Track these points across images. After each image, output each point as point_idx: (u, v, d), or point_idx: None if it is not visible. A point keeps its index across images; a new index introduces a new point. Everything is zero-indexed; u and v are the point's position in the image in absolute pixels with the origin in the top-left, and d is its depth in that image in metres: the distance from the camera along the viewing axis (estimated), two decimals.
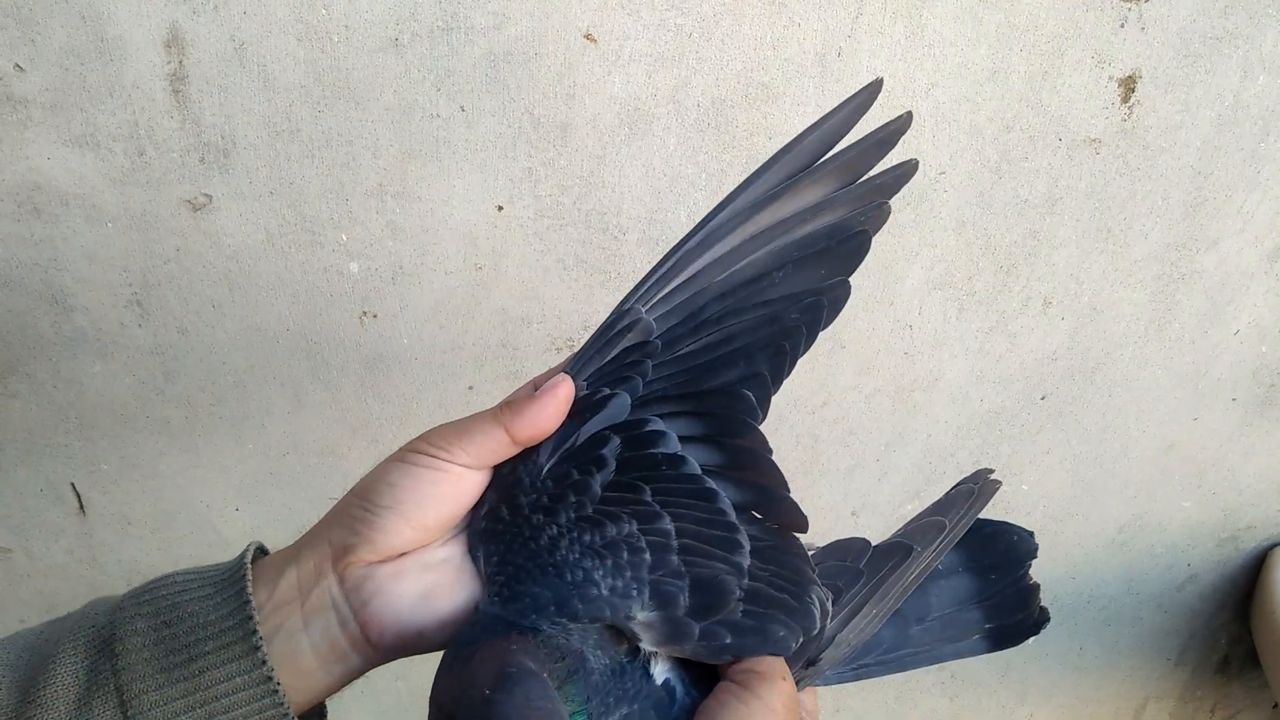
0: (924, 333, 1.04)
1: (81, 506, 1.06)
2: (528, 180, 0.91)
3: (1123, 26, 0.89)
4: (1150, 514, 1.23)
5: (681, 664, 0.47)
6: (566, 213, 0.93)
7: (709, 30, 0.86)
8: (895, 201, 0.97)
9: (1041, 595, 0.59)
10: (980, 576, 0.58)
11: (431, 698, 0.43)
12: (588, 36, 0.85)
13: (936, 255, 0.99)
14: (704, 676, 0.47)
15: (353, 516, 0.49)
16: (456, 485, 0.49)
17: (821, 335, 0.51)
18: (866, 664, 0.56)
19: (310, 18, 0.82)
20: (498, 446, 0.49)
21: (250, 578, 0.48)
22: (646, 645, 0.46)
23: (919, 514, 0.57)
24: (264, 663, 0.46)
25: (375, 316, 0.97)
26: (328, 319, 0.97)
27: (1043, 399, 1.11)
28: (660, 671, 0.46)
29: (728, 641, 0.46)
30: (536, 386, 0.51)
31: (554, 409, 0.50)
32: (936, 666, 1.34)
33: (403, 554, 0.49)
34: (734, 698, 0.44)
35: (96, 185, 0.86)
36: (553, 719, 0.38)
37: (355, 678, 0.51)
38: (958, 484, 0.59)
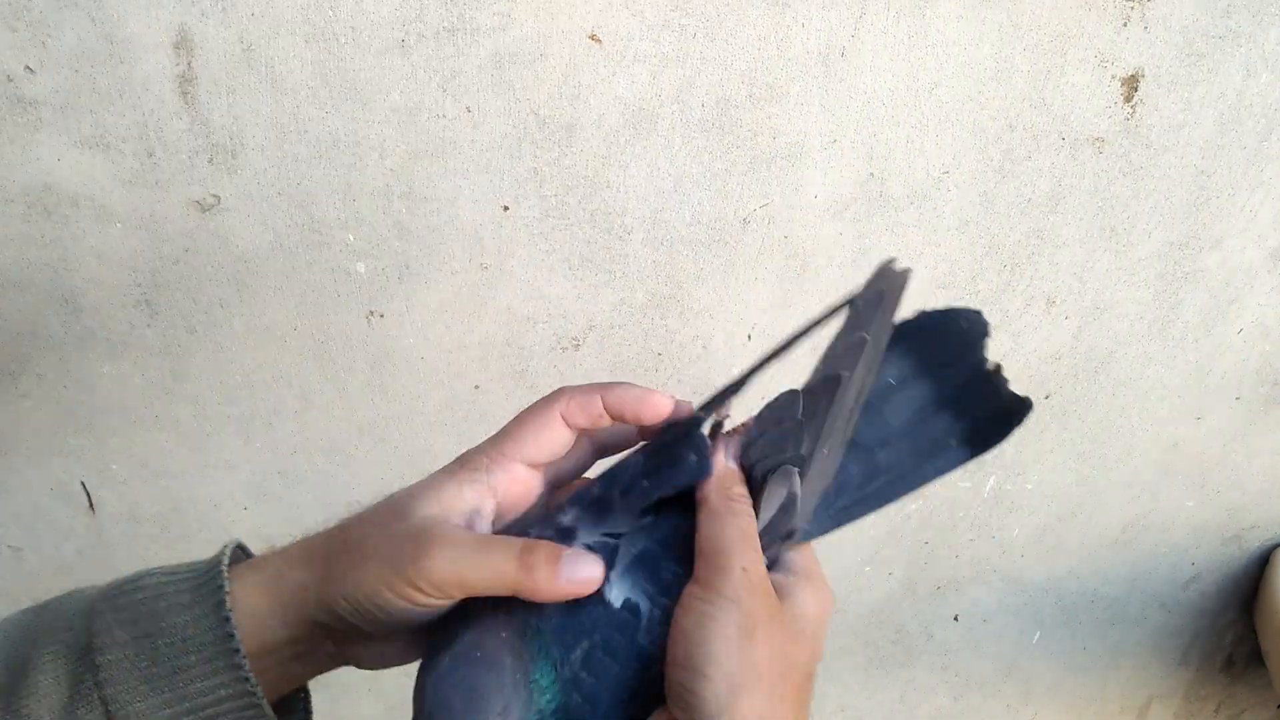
0: None
1: (91, 505, 1.07)
2: (533, 180, 0.92)
3: (1125, 25, 0.89)
4: (1154, 513, 1.23)
5: (644, 574, 0.46)
6: (572, 212, 0.94)
7: (713, 30, 0.86)
8: (899, 201, 0.97)
9: (1010, 378, 0.53)
10: (934, 376, 0.52)
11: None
12: (592, 37, 0.86)
13: (940, 254, 1.00)
14: (674, 583, 0.46)
15: (343, 613, 0.47)
16: (446, 604, 0.47)
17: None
18: (845, 506, 0.51)
19: (318, 19, 0.82)
20: (497, 590, 0.46)
21: (227, 588, 0.47)
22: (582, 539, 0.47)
23: (835, 337, 0.52)
24: (246, 678, 0.46)
25: (382, 316, 0.98)
26: (335, 318, 0.97)
27: (1047, 398, 1.11)
28: (617, 594, 0.46)
29: (644, 483, 0.48)
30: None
31: (573, 594, 0.46)
32: (940, 666, 1.34)
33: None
34: (699, 602, 0.45)
35: (106, 186, 0.87)
36: (480, 694, 0.40)
37: (328, 670, 0.52)
38: (863, 288, 0.52)
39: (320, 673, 0.51)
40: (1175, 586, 1.30)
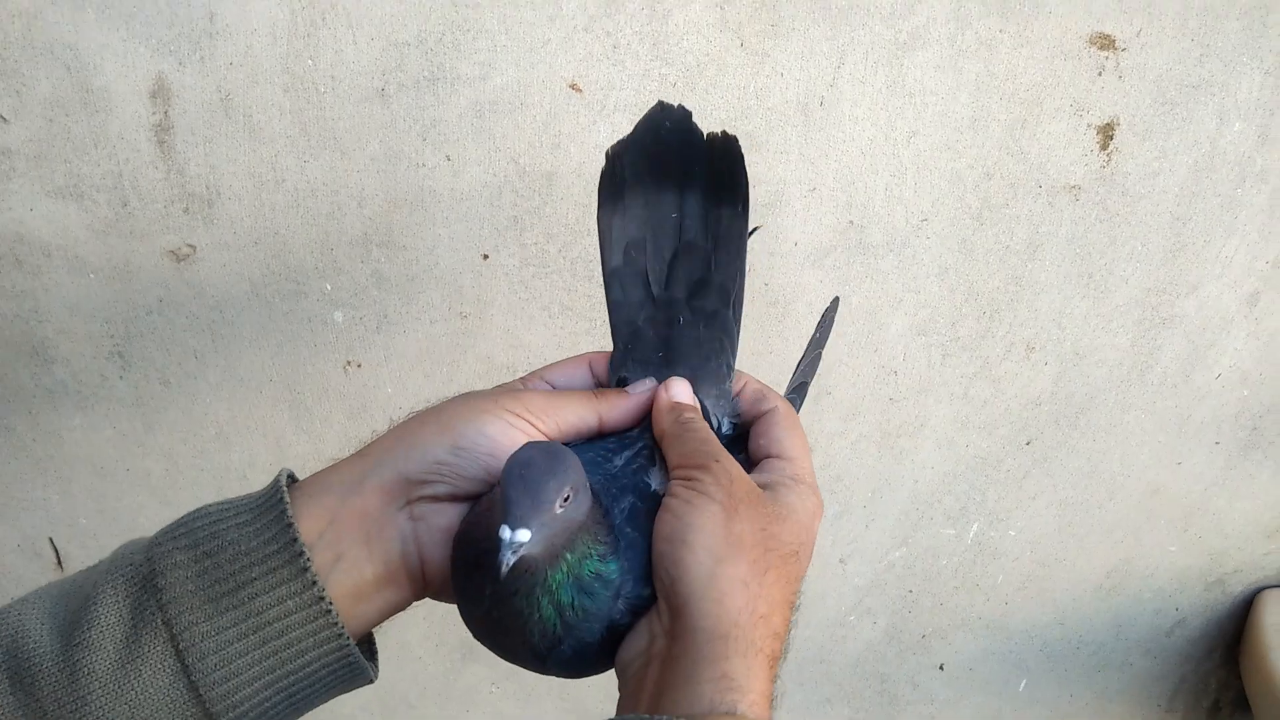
0: (908, 379, 1.05)
1: (59, 561, 1.05)
2: (513, 228, 0.91)
3: (1100, 75, 0.90)
4: (1137, 558, 1.23)
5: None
6: (552, 261, 0.93)
7: (693, 80, 0.86)
8: (878, 249, 0.97)
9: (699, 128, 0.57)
10: (670, 182, 0.59)
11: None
12: (573, 86, 0.86)
13: (920, 301, 1.00)
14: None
15: (436, 456, 0.49)
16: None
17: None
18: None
19: (297, 68, 0.82)
20: (583, 427, 0.53)
21: (288, 500, 0.47)
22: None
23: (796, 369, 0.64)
24: (314, 583, 0.45)
25: (359, 366, 0.96)
26: (311, 369, 0.96)
27: (1028, 444, 1.11)
28: (655, 479, 0.52)
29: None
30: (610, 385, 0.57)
31: (641, 406, 0.55)
32: (926, 716, 1.32)
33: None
34: (683, 487, 0.48)
35: (79, 236, 0.86)
36: (560, 457, 0.44)
37: (399, 610, 0.51)
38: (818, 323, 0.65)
39: (391, 604, 0.50)
40: (1160, 632, 1.30)
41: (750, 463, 0.54)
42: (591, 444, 0.54)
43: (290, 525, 0.46)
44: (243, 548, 0.46)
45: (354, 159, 0.86)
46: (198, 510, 0.49)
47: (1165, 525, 1.20)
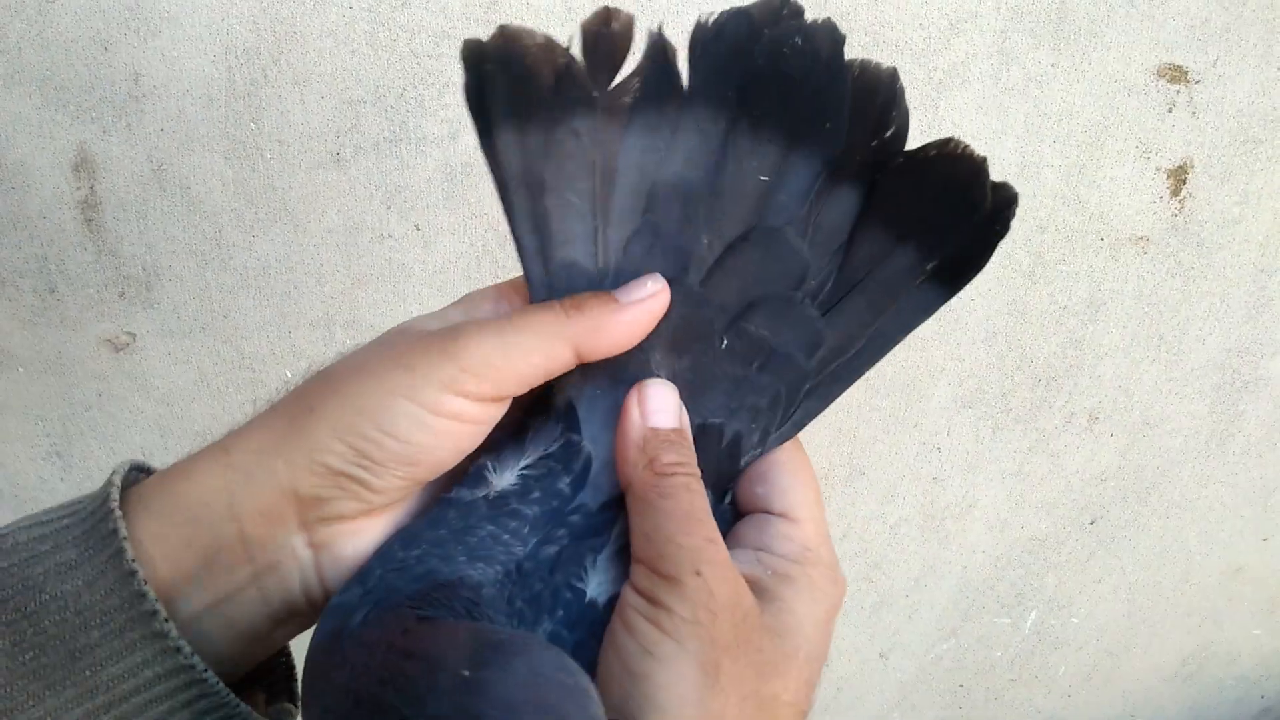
0: (954, 455, 0.92)
1: None
2: None
3: (1170, 112, 0.78)
4: (1217, 643, 1.10)
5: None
6: None
7: None
8: None
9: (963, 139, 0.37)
10: (823, 154, 0.36)
11: (323, 702, 0.31)
12: None
13: (965, 370, 0.88)
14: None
15: (330, 464, 0.34)
16: (480, 432, 0.35)
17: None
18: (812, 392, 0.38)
19: (237, 133, 0.72)
20: (554, 367, 0.35)
21: (124, 530, 0.33)
22: None
23: None
24: (176, 648, 0.32)
25: None
26: None
27: (1092, 523, 0.98)
28: (596, 585, 0.34)
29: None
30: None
31: (643, 324, 0.36)
32: None
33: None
34: (642, 620, 0.31)
35: (4, 327, 0.76)
36: (577, 694, 0.27)
37: (302, 631, 0.37)
38: None
39: (301, 631, 0.36)
40: None
41: (735, 514, 0.38)
42: (476, 510, 0.35)
43: (134, 573, 0.32)
44: (70, 603, 0.32)
45: (309, 231, 0.76)
46: (2, 533, 0.34)
47: (1249, 607, 1.08)
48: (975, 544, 0.99)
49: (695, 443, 0.36)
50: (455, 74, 0.72)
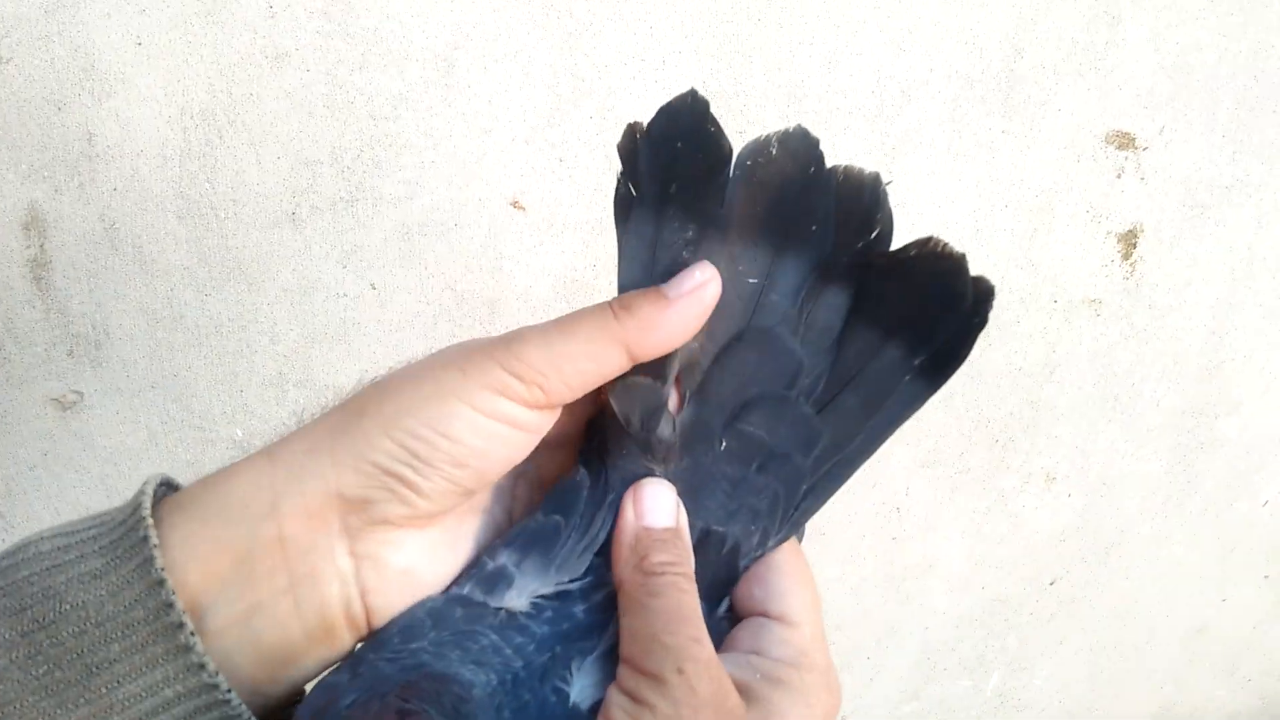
0: (913, 515, 0.92)
1: None
2: None
3: (1119, 178, 0.79)
4: (1180, 704, 1.09)
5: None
6: None
7: None
8: None
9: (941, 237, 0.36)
10: (812, 258, 0.36)
11: None
12: (515, 204, 0.75)
13: (923, 430, 0.88)
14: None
15: (379, 463, 0.33)
16: (530, 441, 0.34)
17: None
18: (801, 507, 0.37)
19: (192, 193, 0.71)
20: (607, 371, 0.34)
21: (154, 538, 0.31)
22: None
23: None
24: (201, 666, 0.31)
25: None
26: None
27: (1052, 584, 0.98)
28: (579, 689, 0.34)
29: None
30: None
31: (695, 316, 0.35)
32: None
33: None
34: (625, 716, 0.31)
35: None
36: None
37: (340, 660, 0.35)
38: None
39: (325, 662, 0.34)
40: None
41: (732, 618, 0.37)
42: (483, 618, 0.34)
43: (162, 582, 0.31)
44: (91, 618, 0.31)
45: (263, 290, 0.75)
46: (21, 547, 0.33)
47: (1211, 667, 1.07)
48: (936, 605, 0.98)
49: (695, 550, 0.36)
50: (412, 136, 0.72)
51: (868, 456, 0.37)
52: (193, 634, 0.30)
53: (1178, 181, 0.80)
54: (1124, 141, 0.78)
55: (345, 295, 0.77)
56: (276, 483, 0.33)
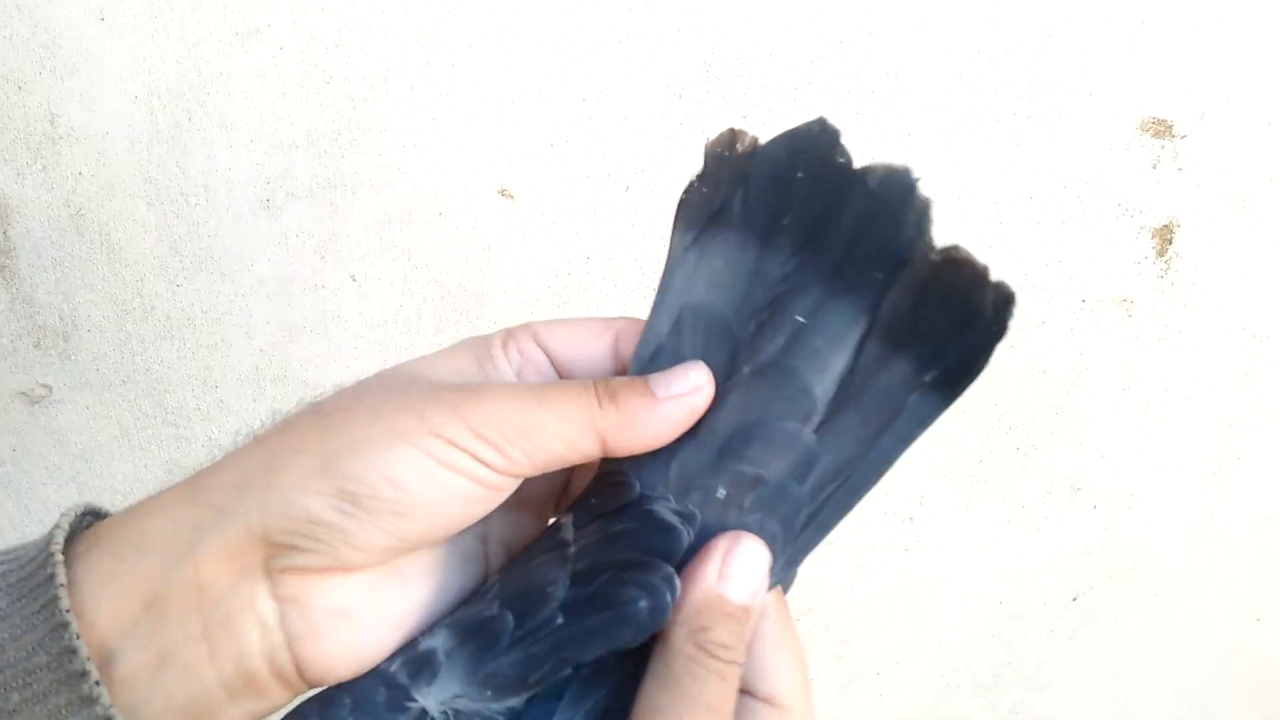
0: (928, 526, 0.87)
1: None
2: None
3: (1154, 168, 0.74)
4: None
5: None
6: None
7: (649, 182, 0.71)
8: None
9: (963, 248, 0.32)
10: (842, 280, 0.33)
11: None
12: (503, 193, 0.71)
13: (939, 437, 0.83)
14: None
15: (310, 510, 0.30)
16: (487, 501, 0.31)
17: None
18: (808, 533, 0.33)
19: (161, 178, 0.67)
20: (575, 456, 0.32)
21: (62, 578, 0.29)
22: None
23: None
24: (108, 718, 0.28)
25: None
26: None
27: (1074, 600, 0.93)
28: None
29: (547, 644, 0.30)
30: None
31: (681, 422, 0.33)
32: None
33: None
34: None
35: None
36: None
37: (269, 715, 0.33)
38: None
39: (252, 715, 0.32)
40: None
41: None
42: (408, 710, 0.31)
43: (66, 625, 0.28)
44: None
45: (237, 282, 0.71)
46: None
47: (1243, 690, 1.02)
48: (950, 620, 0.93)
49: None
50: (393, 119, 0.68)
51: (874, 482, 0.33)
52: (97, 683, 0.28)
53: (1218, 173, 0.74)
54: (1160, 129, 0.73)
55: (324, 287, 0.73)
56: (199, 519, 0.30)
